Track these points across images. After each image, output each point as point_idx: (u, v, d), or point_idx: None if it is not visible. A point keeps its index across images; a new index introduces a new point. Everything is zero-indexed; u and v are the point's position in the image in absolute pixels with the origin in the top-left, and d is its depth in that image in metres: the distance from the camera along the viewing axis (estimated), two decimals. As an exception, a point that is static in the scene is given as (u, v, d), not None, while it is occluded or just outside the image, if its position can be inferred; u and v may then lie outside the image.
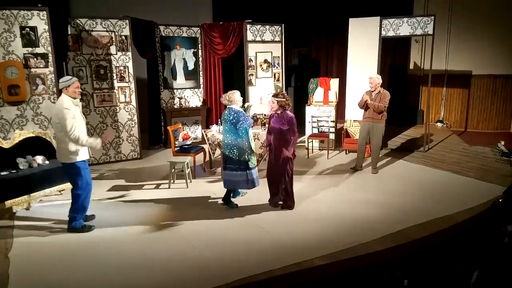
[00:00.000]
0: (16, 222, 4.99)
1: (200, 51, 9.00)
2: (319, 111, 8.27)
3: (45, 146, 5.76)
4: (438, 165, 7.24)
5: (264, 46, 8.75)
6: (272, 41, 8.83)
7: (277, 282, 3.70)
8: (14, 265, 3.99)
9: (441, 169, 7.02)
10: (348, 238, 4.47)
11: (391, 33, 7.79)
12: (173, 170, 6.29)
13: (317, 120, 8.17)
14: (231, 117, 5.16)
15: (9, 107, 6.01)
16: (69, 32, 6.98)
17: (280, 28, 8.87)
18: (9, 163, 5.24)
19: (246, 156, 5.18)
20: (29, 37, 6.10)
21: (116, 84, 7.51)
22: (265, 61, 8.83)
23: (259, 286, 3.65)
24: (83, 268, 3.93)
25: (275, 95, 5.24)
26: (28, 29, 6.07)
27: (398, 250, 4.24)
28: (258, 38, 8.60)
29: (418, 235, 4.54)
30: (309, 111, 8.38)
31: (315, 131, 8.26)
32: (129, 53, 7.58)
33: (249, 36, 8.44)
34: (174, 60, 8.74)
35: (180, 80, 8.89)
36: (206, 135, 6.89)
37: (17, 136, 5.57)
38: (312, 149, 8.28)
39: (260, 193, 5.77)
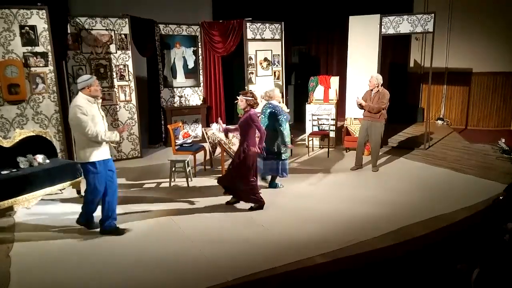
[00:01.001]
0: (17, 221, 4.99)
1: (200, 49, 8.99)
2: (319, 109, 8.27)
3: (46, 145, 5.76)
4: (438, 162, 7.24)
5: (264, 44, 8.74)
6: (272, 39, 8.82)
7: (278, 280, 3.71)
8: (15, 264, 3.99)
9: (442, 166, 7.02)
10: (349, 236, 4.47)
11: (391, 31, 7.78)
12: (173, 168, 6.29)
13: (318, 118, 8.18)
14: (269, 110, 5.69)
15: (9, 106, 6.00)
16: (69, 31, 6.98)
17: (280, 26, 8.86)
18: (9, 162, 5.24)
19: (281, 148, 5.72)
20: (29, 36, 6.09)
21: (116, 83, 7.51)
22: (265, 59, 8.82)
23: (259, 284, 3.65)
24: (84, 267, 3.93)
25: (244, 93, 5.24)
26: (27, 28, 6.06)
27: (399, 248, 4.24)
28: (258, 36, 8.59)
29: (419, 233, 4.54)
30: (310, 109, 8.37)
31: (316, 129, 8.26)
32: (129, 52, 7.57)
33: (249, 34, 8.43)
34: (174, 58, 8.74)
35: (180, 79, 8.89)
36: (206, 134, 6.89)
37: (18, 135, 5.57)
38: (313, 147, 8.28)
39: (260, 191, 5.79)
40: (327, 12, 10.66)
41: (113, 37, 7.38)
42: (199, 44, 8.97)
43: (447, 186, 6.09)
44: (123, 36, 7.46)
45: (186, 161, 6.25)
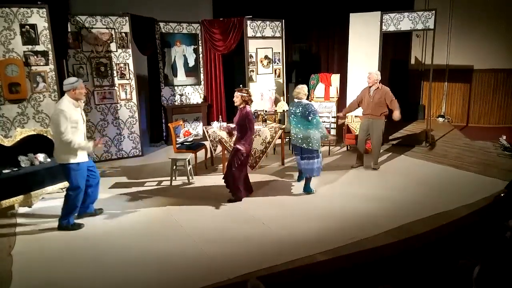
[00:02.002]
0: (19, 220, 5.00)
1: (200, 47, 8.99)
2: (320, 107, 8.26)
3: (47, 144, 5.75)
4: (439, 160, 7.23)
5: (265, 42, 8.73)
6: (273, 37, 8.80)
7: (279, 278, 3.71)
8: (17, 263, 4.00)
9: (443, 164, 7.01)
10: (350, 233, 4.47)
11: (392, 28, 7.77)
12: (174, 167, 6.29)
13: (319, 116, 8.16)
14: (302, 110, 5.47)
15: (10, 105, 6.01)
16: (69, 30, 6.97)
17: (280, 24, 8.84)
18: (10, 161, 5.25)
19: (318, 144, 5.51)
20: (29, 35, 6.09)
21: (117, 81, 7.51)
22: (266, 57, 8.80)
23: (260, 281, 3.65)
24: (86, 265, 3.95)
25: (239, 90, 5.35)
26: (28, 26, 6.07)
27: (400, 245, 4.24)
28: (258, 34, 8.58)
29: (420, 230, 4.54)
30: (310, 107, 8.35)
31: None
32: (129, 50, 7.57)
33: (250, 32, 8.42)
34: (175, 56, 8.73)
35: (181, 77, 8.88)
36: (207, 132, 6.89)
37: (19, 134, 5.58)
38: (313, 145, 8.27)
39: (262, 189, 5.80)
40: (328, 10, 10.64)
41: (114, 36, 7.37)
42: (200, 42, 8.96)
43: (448, 183, 6.09)
44: (123, 34, 7.46)
45: (187, 160, 6.25)
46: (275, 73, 9.05)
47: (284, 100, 8.73)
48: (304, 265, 3.88)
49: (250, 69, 8.62)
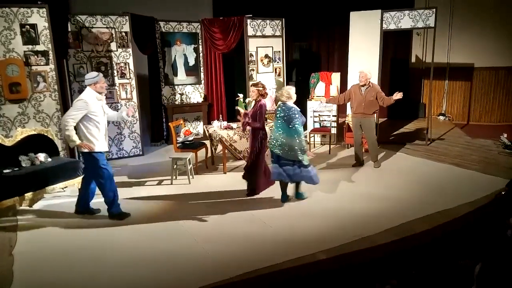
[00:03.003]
0: (20, 220, 5.01)
1: (200, 46, 8.98)
2: (320, 106, 8.25)
3: (47, 144, 5.77)
4: (440, 158, 7.22)
5: (265, 41, 8.72)
6: (273, 36, 8.80)
7: (279, 277, 3.71)
8: (18, 262, 4.01)
9: (444, 162, 7.00)
10: (351, 232, 4.47)
11: (392, 26, 7.75)
12: (175, 166, 6.29)
13: (319, 114, 8.17)
14: (284, 114, 5.06)
15: (10, 105, 6.01)
16: (69, 29, 6.97)
17: (280, 23, 8.84)
18: (11, 161, 5.25)
19: (297, 154, 4.97)
20: (29, 35, 6.09)
21: (117, 80, 7.51)
22: (266, 56, 8.80)
23: (261, 280, 3.66)
24: (87, 264, 3.95)
25: (255, 85, 5.57)
26: (28, 26, 6.06)
27: (401, 244, 4.24)
28: (258, 33, 8.57)
29: (421, 229, 4.53)
30: (311, 105, 8.36)
31: (317, 125, 8.25)
32: (130, 50, 7.56)
33: (250, 31, 8.41)
34: (175, 56, 8.73)
35: (181, 76, 8.88)
36: (208, 131, 6.89)
37: (19, 134, 5.58)
38: (314, 144, 8.28)
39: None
40: (328, 8, 10.63)
41: (114, 35, 7.37)
42: (200, 41, 8.95)
43: (448, 181, 6.08)
44: (123, 34, 7.46)
45: (187, 159, 6.25)
46: (276, 72, 9.04)
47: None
48: (305, 263, 3.88)
49: (250, 68, 8.61)
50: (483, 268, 2.39)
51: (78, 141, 4.66)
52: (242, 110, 5.76)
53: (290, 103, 5.13)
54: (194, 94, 9.02)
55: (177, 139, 6.76)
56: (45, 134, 5.81)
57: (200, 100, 9.04)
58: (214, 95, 9.09)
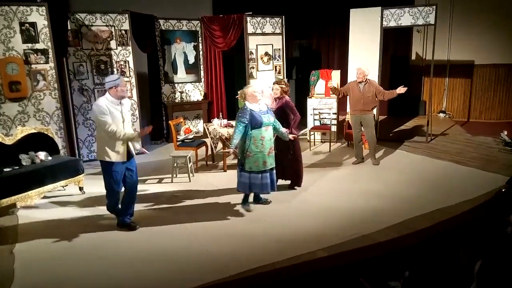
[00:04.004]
0: (20, 218, 5.01)
1: (200, 44, 8.97)
2: (320, 104, 8.25)
3: (48, 142, 5.77)
4: (440, 155, 7.22)
5: (265, 39, 8.70)
6: (273, 34, 8.78)
7: (279, 275, 3.72)
8: (19, 261, 4.01)
9: (444, 159, 7.00)
10: (351, 230, 4.47)
11: (392, 24, 7.74)
12: (175, 164, 6.30)
13: (319, 112, 8.16)
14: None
15: (10, 104, 6.01)
16: (69, 27, 6.96)
17: (280, 20, 8.82)
18: (11, 160, 5.25)
19: (240, 157, 4.81)
20: (29, 33, 6.08)
21: (117, 79, 7.48)
22: (266, 53, 8.78)
23: (261, 278, 3.67)
24: (87, 263, 3.96)
25: (278, 82, 5.65)
26: (27, 25, 6.05)
27: (401, 241, 4.25)
28: (258, 31, 8.55)
29: (421, 226, 4.54)
30: (311, 103, 8.35)
31: (317, 123, 8.25)
32: (129, 48, 7.55)
33: (250, 29, 8.39)
34: (175, 54, 8.71)
35: (181, 74, 8.87)
36: (208, 129, 6.89)
37: (19, 132, 5.58)
38: (314, 142, 8.28)
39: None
40: (328, 5, 10.60)
41: (113, 33, 7.36)
42: (200, 39, 8.94)
43: (449, 179, 6.08)
44: (123, 32, 7.44)
45: (187, 157, 6.25)
46: (276, 70, 9.03)
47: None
48: (306, 261, 3.89)
49: (250, 66, 8.60)
50: (483, 265, 2.40)
51: (135, 132, 4.55)
52: (290, 136, 5.21)
53: (247, 103, 4.80)
54: (194, 92, 9.02)
55: (177, 137, 6.76)
56: (45, 132, 5.80)
57: (200, 98, 9.04)
58: (214, 93, 9.08)
